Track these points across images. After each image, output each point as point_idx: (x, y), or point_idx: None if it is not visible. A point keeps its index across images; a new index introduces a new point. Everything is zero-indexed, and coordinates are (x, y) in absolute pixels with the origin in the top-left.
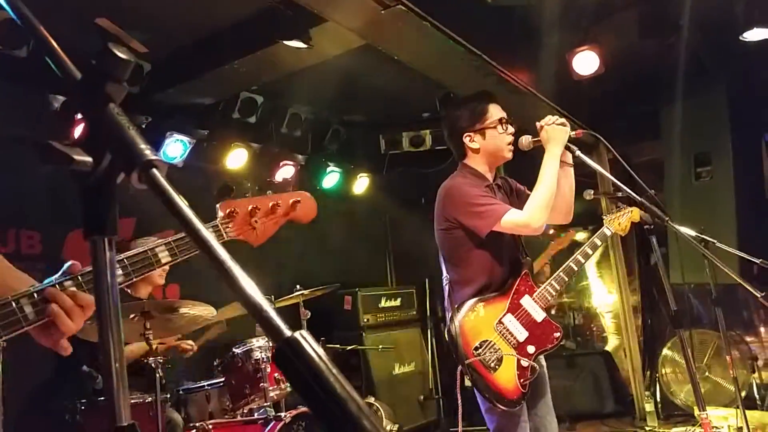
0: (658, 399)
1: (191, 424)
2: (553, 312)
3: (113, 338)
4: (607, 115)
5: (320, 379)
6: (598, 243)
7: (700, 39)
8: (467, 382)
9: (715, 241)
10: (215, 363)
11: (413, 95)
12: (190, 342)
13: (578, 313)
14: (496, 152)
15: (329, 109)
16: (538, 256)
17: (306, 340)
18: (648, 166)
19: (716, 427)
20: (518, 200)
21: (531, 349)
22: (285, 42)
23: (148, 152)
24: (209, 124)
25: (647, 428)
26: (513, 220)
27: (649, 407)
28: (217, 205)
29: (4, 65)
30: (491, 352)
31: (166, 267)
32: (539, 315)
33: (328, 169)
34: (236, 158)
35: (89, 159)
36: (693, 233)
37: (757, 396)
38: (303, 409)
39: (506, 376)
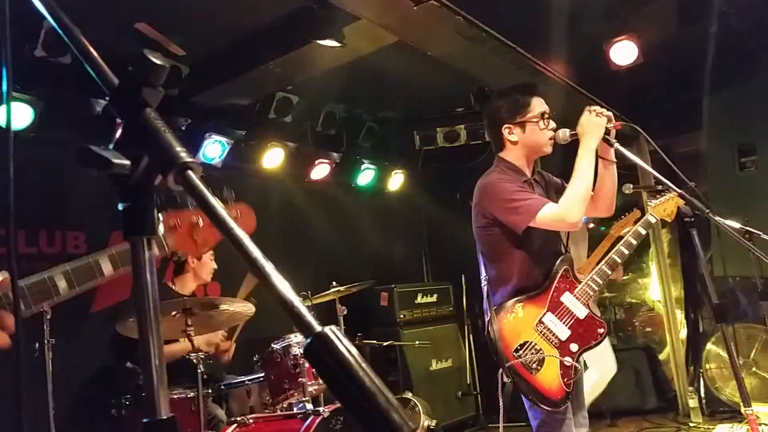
0: (702, 395)
1: (232, 419)
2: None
3: (152, 335)
4: (647, 106)
5: (349, 373)
6: (642, 232)
7: (744, 25)
8: (506, 379)
9: (761, 233)
10: (254, 358)
11: (447, 90)
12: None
13: (619, 308)
14: (536, 147)
15: (363, 106)
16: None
17: (335, 334)
18: (690, 157)
19: (764, 424)
20: (555, 194)
21: (574, 347)
22: (318, 41)
23: (184, 154)
24: (246, 124)
25: (691, 424)
26: (548, 214)
27: (692, 403)
28: (160, 216)
29: (49, 71)
30: (532, 354)
31: (215, 265)
32: (581, 312)
33: (363, 167)
34: (273, 158)
35: (127, 162)
36: (737, 225)
37: None
38: None
39: (549, 377)
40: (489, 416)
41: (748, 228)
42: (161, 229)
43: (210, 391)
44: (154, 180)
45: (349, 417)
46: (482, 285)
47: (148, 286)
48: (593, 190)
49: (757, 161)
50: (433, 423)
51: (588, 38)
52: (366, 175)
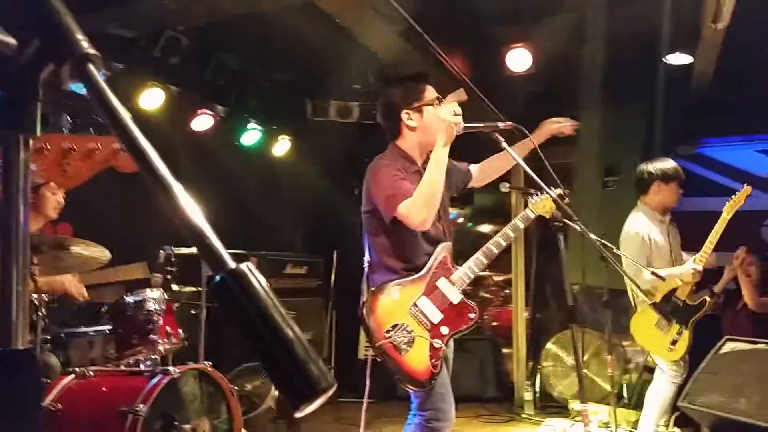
0: (537, 389)
1: (70, 369)
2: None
3: (18, 252)
4: (529, 115)
5: (266, 318)
6: (521, 225)
7: (629, 54)
8: (361, 354)
9: (614, 248)
10: (103, 309)
11: (348, 65)
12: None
13: (474, 299)
14: (433, 131)
15: (258, 63)
16: None
17: (253, 273)
18: (559, 169)
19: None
20: (458, 179)
21: (445, 330)
22: None
23: (86, 44)
24: (127, 58)
25: (523, 415)
26: (400, 211)
27: (527, 396)
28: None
29: None
30: (403, 335)
31: (61, 199)
32: (455, 297)
33: (249, 126)
34: (151, 98)
35: (13, 41)
36: (594, 237)
37: (625, 395)
38: (193, 365)
39: (417, 358)
40: (340, 390)
41: (604, 242)
42: None
43: (49, 337)
44: (43, 68)
45: (201, 379)
46: (364, 267)
47: (18, 195)
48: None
49: (619, 181)
50: None
51: (489, 41)
52: (251, 135)
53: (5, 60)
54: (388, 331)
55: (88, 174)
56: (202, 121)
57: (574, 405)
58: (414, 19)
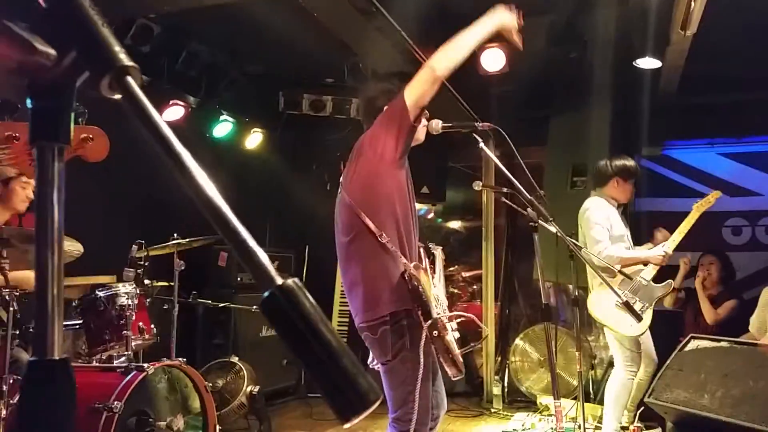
0: (505, 384)
1: None
2: None
3: (53, 261)
4: (502, 114)
5: (315, 332)
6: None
7: (600, 57)
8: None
9: (582, 246)
10: (74, 303)
11: (322, 58)
12: None
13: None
14: None
15: (231, 55)
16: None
17: (300, 288)
18: (529, 168)
19: (551, 415)
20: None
21: (449, 326)
22: None
23: (124, 56)
24: None
25: (492, 410)
26: (416, 83)
27: (496, 391)
28: None
29: None
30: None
31: (30, 194)
32: (444, 300)
33: (221, 118)
34: None
35: (53, 52)
36: (569, 240)
37: (591, 390)
38: (167, 362)
39: (450, 344)
40: (307, 385)
41: (573, 241)
42: None
43: (17, 332)
44: (78, 80)
45: (173, 374)
46: (381, 240)
47: (53, 206)
48: None
49: (587, 182)
50: (257, 389)
51: None
52: (223, 127)
53: (43, 71)
54: (435, 306)
55: None
56: (174, 112)
57: (543, 399)
58: (390, 13)
